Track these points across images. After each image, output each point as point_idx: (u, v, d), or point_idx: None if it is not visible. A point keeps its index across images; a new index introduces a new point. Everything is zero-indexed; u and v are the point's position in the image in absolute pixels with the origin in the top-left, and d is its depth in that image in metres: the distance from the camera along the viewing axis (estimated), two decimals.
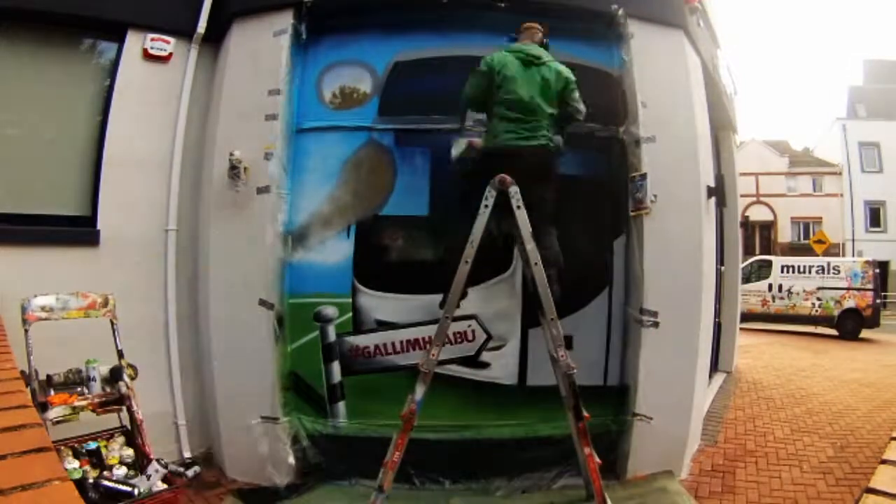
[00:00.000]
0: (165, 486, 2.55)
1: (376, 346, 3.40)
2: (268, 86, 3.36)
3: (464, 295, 2.86)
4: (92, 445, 2.65)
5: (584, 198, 3.59)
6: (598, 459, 2.71)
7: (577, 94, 3.06)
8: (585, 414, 2.71)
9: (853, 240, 22.25)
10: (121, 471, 2.61)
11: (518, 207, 2.73)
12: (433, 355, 2.71)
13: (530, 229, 2.73)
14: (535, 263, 2.72)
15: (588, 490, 2.86)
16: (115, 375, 2.82)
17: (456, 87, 3.50)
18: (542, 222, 2.96)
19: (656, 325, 3.29)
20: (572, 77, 3.05)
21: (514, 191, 2.74)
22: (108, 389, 2.80)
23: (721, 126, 6.06)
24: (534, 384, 3.41)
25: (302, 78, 3.50)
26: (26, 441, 1.02)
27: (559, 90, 3.01)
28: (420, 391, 2.69)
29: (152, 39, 3.57)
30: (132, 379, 2.86)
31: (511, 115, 2.97)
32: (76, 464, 2.49)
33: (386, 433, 3.16)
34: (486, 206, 2.74)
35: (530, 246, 2.72)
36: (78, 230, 3.43)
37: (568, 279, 3.24)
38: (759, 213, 24.06)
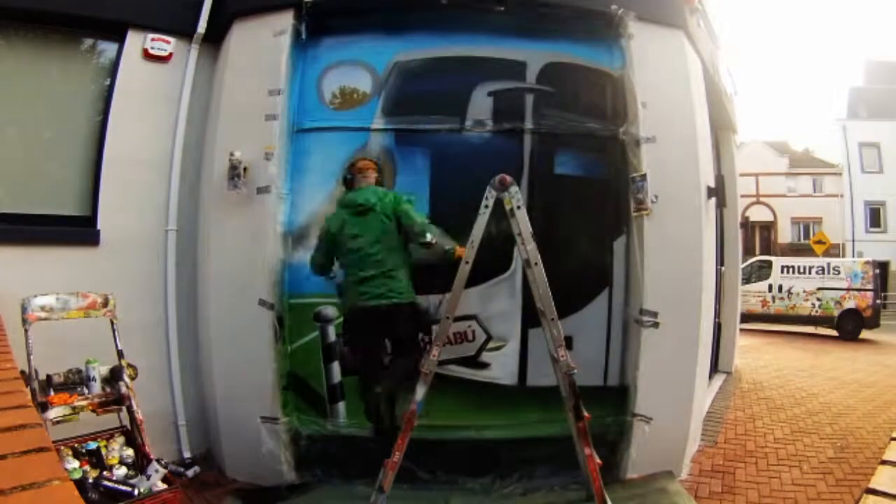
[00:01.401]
0: (165, 486, 2.55)
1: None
2: (268, 86, 3.36)
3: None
4: (92, 445, 2.65)
5: (584, 198, 3.60)
6: (598, 460, 2.72)
7: (414, 217, 3.09)
8: (586, 414, 2.72)
9: (853, 240, 22.24)
10: (121, 471, 2.61)
11: (518, 207, 2.73)
12: (433, 356, 2.72)
13: (531, 229, 2.73)
14: (536, 263, 2.72)
15: (588, 490, 2.86)
16: (115, 375, 2.82)
17: (456, 87, 3.53)
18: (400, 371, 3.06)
19: (656, 325, 3.29)
20: (404, 206, 3.10)
21: (515, 191, 2.74)
22: (108, 389, 2.80)
23: (721, 126, 6.06)
24: (534, 384, 3.41)
25: (302, 78, 3.50)
26: (26, 441, 1.02)
27: (397, 225, 3.08)
28: (420, 392, 2.70)
29: (153, 39, 3.56)
30: (132, 379, 2.86)
31: (356, 274, 3.10)
32: (76, 464, 2.49)
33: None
34: (486, 206, 2.75)
35: (531, 246, 2.72)
36: (78, 230, 3.43)
37: (568, 279, 3.26)
38: (759, 214, 24.07)
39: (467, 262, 2.73)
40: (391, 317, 3.06)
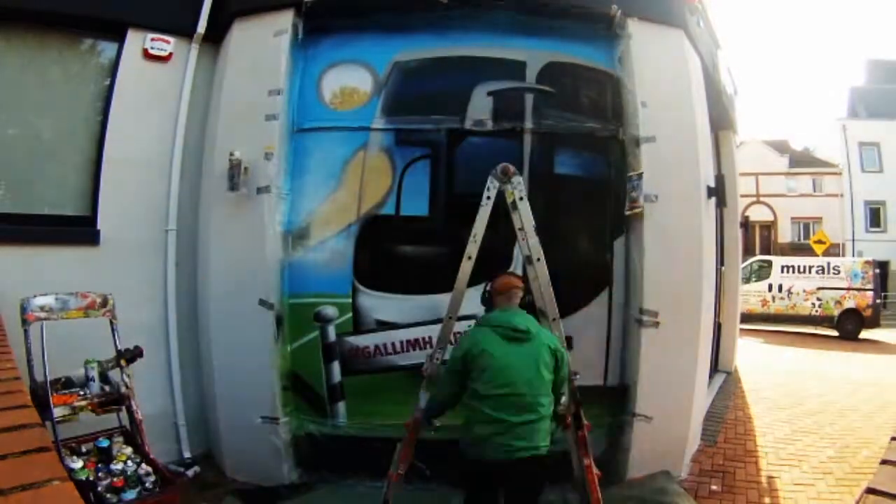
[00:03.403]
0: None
1: (376, 346, 3.40)
2: (268, 86, 3.36)
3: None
4: (104, 443, 2.64)
5: (584, 198, 3.59)
6: (597, 471, 2.60)
7: (566, 374, 2.43)
8: (586, 422, 2.60)
9: (853, 240, 22.20)
10: (118, 466, 2.60)
11: (521, 199, 2.61)
12: (436, 359, 2.61)
13: (534, 223, 2.63)
14: (538, 259, 2.61)
15: (583, 498, 2.77)
16: (116, 361, 2.81)
17: (456, 87, 3.52)
18: None
19: (656, 325, 3.29)
20: (565, 354, 2.42)
21: (518, 181, 2.61)
22: (107, 388, 2.80)
23: (721, 126, 6.06)
24: None
25: (302, 78, 3.50)
26: (26, 441, 1.02)
27: (553, 370, 2.33)
28: (424, 398, 2.60)
29: (152, 39, 3.56)
30: (140, 357, 2.87)
31: (494, 416, 2.20)
32: (80, 463, 2.48)
33: (386, 433, 3.17)
34: (489, 197, 2.61)
35: (533, 241, 2.61)
36: (78, 230, 3.43)
37: (568, 279, 3.24)
38: (759, 213, 24.04)
39: (470, 258, 2.61)
40: (529, 471, 2.25)
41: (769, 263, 13.22)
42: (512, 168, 2.65)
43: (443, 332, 2.69)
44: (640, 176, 3.32)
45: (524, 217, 2.63)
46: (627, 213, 3.38)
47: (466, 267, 2.64)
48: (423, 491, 3.20)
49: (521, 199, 2.64)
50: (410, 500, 3.08)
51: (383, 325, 3.41)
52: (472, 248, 2.63)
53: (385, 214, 3.47)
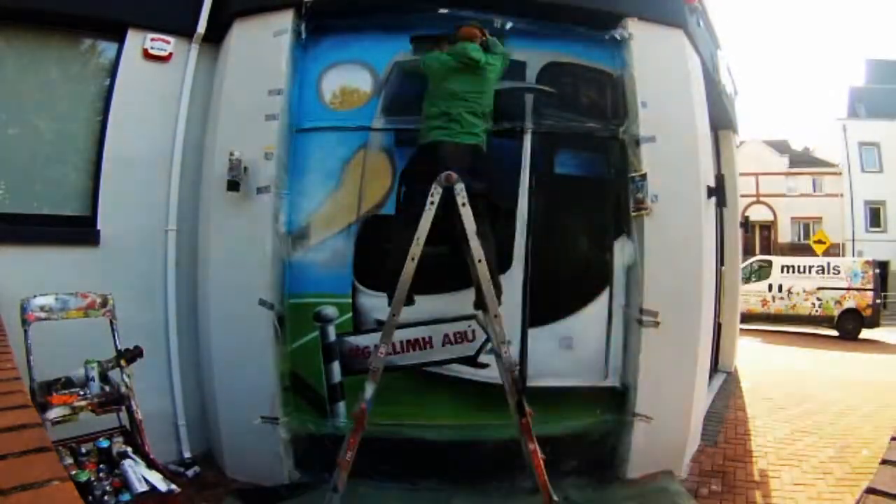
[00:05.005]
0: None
1: (376, 347, 3.39)
2: (268, 86, 3.36)
3: (410, 301, 2.85)
4: (104, 443, 2.64)
5: (584, 198, 3.59)
6: (542, 455, 2.70)
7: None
8: (528, 409, 2.71)
9: (853, 240, 22.21)
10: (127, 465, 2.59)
11: (463, 205, 2.74)
12: (381, 354, 2.73)
13: (475, 227, 2.74)
14: (479, 261, 2.73)
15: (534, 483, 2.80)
16: (116, 361, 2.81)
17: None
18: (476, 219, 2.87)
19: (656, 324, 3.29)
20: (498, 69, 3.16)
21: (460, 187, 2.74)
22: (107, 388, 2.79)
23: (721, 126, 6.06)
24: (534, 384, 3.40)
25: (302, 78, 3.50)
26: (26, 441, 1.02)
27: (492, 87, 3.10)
28: (370, 390, 2.70)
29: (152, 39, 3.56)
30: (140, 356, 2.86)
31: (437, 112, 3.04)
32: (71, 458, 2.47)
33: (386, 433, 3.17)
34: (432, 202, 2.74)
35: (474, 244, 2.74)
36: (78, 230, 3.43)
37: (568, 279, 3.23)
38: (759, 213, 24.04)
39: (413, 259, 2.70)
40: (462, 153, 2.96)
41: (769, 263, 13.23)
42: (454, 175, 2.75)
43: (386, 328, 2.76)
44: (643, 177, 3.32)
45: (466, 221, 2.74)
46: (634, 214, 3.38)
47: (410, 268, 2.72)
48: (423, 491, 3.20)
49: (462, 204, 2.74)
50: (411, 500, 3.08)
51: (383, 325, 3.40)
52: (416, 251, 2.71)
53: (385, 214, 3.47)
